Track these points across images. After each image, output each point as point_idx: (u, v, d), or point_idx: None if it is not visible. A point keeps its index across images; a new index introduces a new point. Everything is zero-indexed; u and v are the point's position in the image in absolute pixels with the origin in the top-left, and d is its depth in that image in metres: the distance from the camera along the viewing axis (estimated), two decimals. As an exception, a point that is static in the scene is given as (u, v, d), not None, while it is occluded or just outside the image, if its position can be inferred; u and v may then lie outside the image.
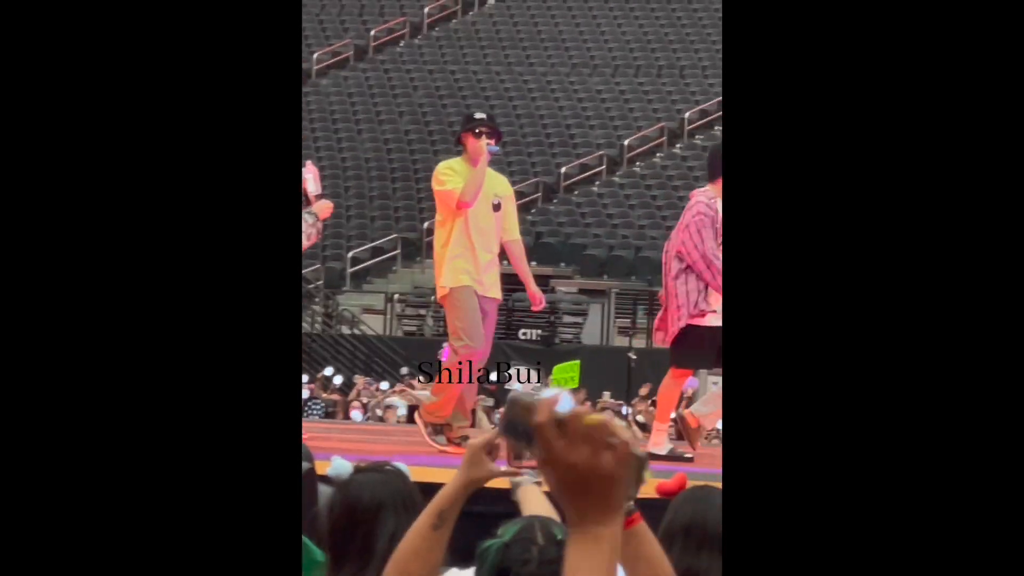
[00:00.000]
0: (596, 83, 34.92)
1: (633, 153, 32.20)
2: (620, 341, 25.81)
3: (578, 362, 10.83)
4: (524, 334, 26.28)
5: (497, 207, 9.00)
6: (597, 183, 32.09)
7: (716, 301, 8.32)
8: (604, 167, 31.88)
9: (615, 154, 32.36)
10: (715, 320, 8.25)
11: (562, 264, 29.28)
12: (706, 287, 8.33)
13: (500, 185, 9.16)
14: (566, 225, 30.71)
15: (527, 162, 32.66)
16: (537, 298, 9.35)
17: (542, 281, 30.09)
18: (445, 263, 8.93)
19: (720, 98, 33.33)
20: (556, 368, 10.57)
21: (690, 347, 8.49)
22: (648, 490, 4.01)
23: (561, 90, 34.75)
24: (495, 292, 8.98)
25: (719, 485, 3.97)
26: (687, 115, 32.93)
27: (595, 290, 27.38)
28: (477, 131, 8.92)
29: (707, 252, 8.23)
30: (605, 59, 35.66)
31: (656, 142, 32.74)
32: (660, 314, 8.81)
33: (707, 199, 8.40)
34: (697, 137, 32.73)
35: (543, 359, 20.30)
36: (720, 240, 8.29)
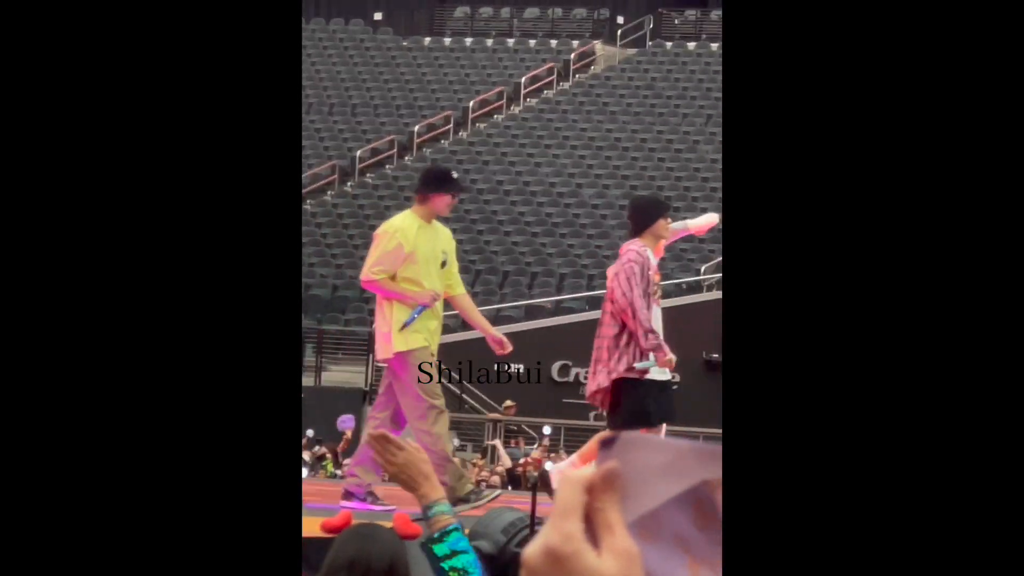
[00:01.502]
0: (267, 119, 34.67)
1: (307, 190, 32.08)
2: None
3: None
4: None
5: (443, 264, 8.47)
6: (267, 220, 31.83)
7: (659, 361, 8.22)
8: (274, 204, 31.66)
9: (286, 191, 32.14)
10: (658, 376, 8.25)
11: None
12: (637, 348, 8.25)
13: (446, 240, 8.55)
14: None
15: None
16: (501, 341, 8.60)
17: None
18: (397, 327, 8.26)
19: (391, 136, 33.51)
20: None
21: (633, 403, 8.27)
22: (314, 528, 3.91)
23: (231, 125, 34.40)
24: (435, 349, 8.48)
25: (387, 524, 3.89)
26: (358, 153, 32.96)
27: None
28: (453, 194, 8.44)
29: (635, 300, 8.19)
30: (277, 95, 35.44)
31: (328, 180, 32.67)
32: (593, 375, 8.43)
33: (638, 247, 8.36)
34: (368, 175, 32.77)
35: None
36: (651, 289, 8.31)
